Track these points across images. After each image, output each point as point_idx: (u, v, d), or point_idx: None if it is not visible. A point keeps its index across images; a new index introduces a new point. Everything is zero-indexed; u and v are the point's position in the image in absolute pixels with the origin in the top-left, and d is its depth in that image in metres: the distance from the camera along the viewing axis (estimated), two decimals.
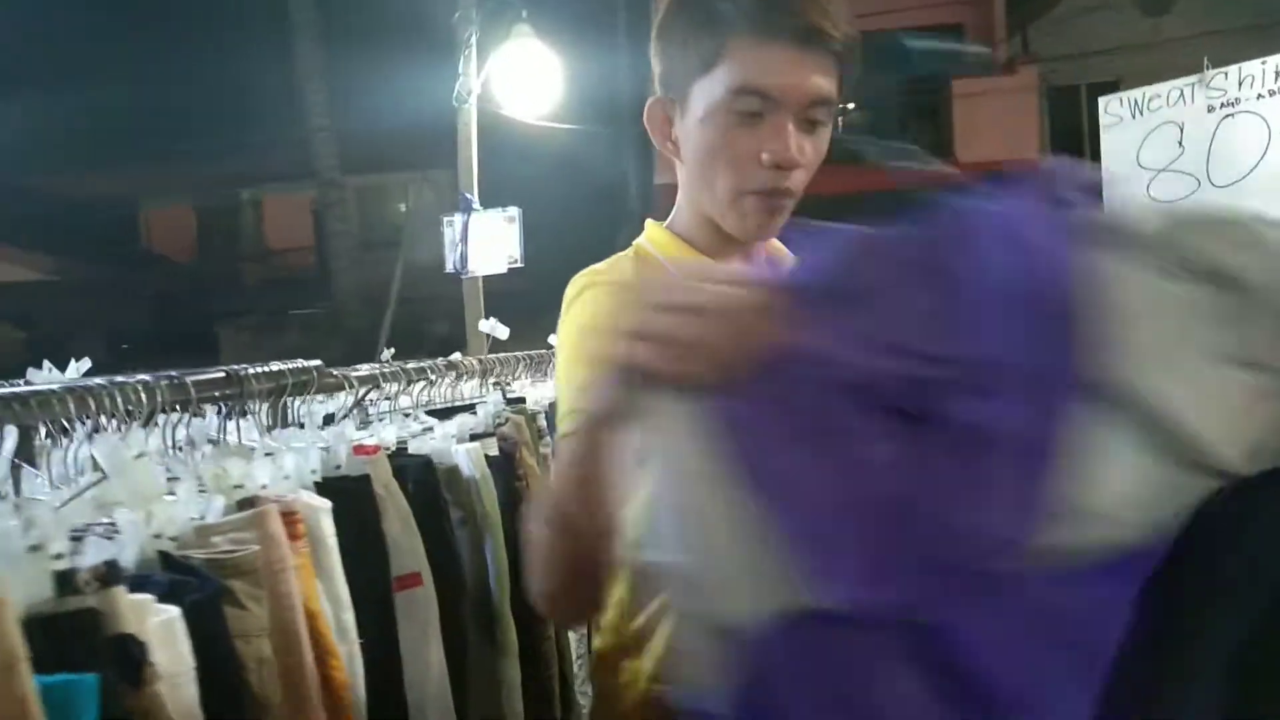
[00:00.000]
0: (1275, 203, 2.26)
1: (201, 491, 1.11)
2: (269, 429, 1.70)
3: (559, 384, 1.07)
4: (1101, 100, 2.46)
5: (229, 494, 1.12)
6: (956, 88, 13.49)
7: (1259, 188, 2.27)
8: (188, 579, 0.93)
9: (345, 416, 2.21)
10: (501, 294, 4.73)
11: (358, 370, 2.15)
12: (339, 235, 14.17)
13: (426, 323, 12.03)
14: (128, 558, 0.88)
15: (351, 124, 13.40)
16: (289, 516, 1.12)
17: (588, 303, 1.09)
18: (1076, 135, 15.41)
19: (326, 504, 1.26)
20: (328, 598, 1.23)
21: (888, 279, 0.63)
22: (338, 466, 1.47)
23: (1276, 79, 2.29)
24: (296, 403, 1.83)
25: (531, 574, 0.90)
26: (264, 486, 1.19)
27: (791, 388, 0.61)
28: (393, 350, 4.38)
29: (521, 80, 4.12)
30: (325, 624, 1.17)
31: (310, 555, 1.19)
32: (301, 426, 1.76)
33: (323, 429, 1.88)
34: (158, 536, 0.97)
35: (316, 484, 1.35)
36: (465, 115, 4.10)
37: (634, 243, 1.22)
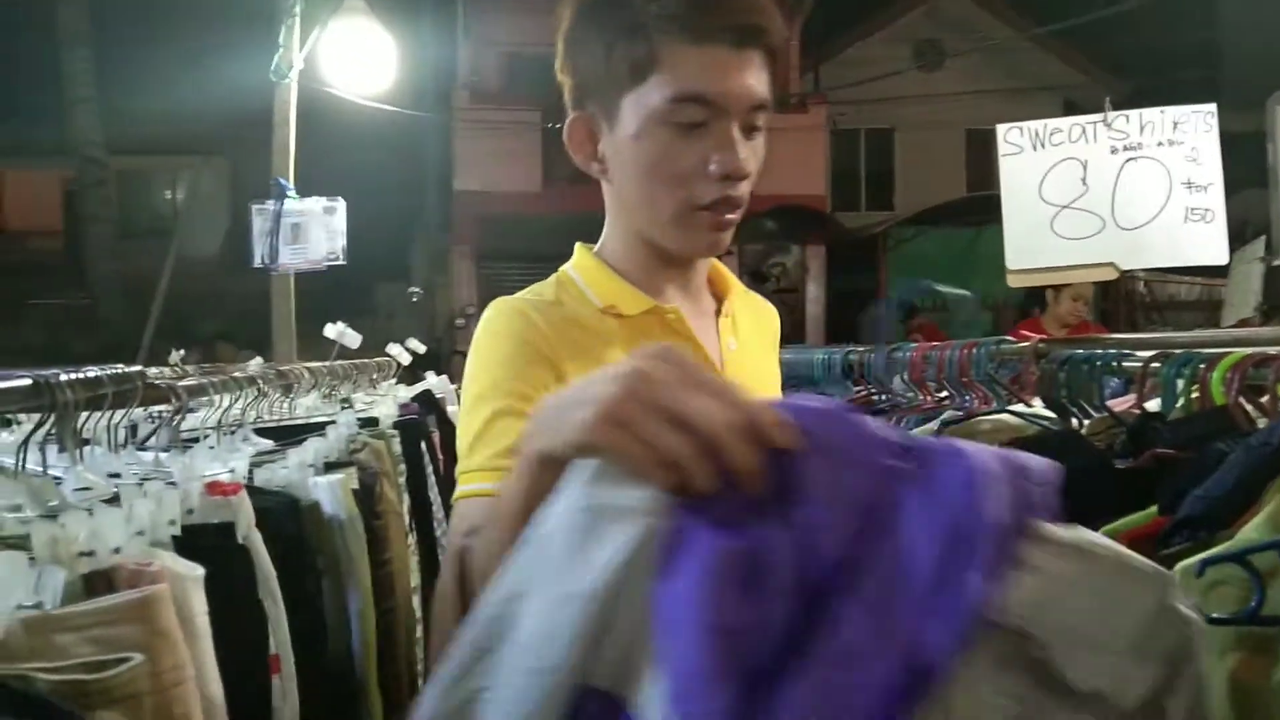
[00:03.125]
0: (1177, 252, 2.24)
1: (31, 562, 0.74)
2: (67, 451, 1.30)
3: (473, 422, 0.96)
4: (1000, 128, 2.39)
5: (72, 564, 0.76)
6: None
7: (1163, 235, 2.25)
8: None
9: (155, 433, 1.80)
10: (298, 292, 4.29)
11: (181, 378, 1.74)
12: (98, 220, 12.83)
13: (196, 321, 11.06)
14: None
15: (121, 98, 12.19)
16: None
17: (499, 335, 1.00)
18: (855, 178, 16.23)
19: (198, 571, 0.91)
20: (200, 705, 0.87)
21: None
22: (190, 511, 1.11)
23: (1174, 129, 2.29)
24: (99, 419, 1.43)
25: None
26: (116, 550, 0.83)
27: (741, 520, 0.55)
28: (182, 352, 3.87)
29: (350, 57, 3.73)
30: None
31: None
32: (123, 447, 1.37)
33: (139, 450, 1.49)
34: None
35: (175, 539, 0.99)
36: (283, 92, 3.65)
37: (561, 269, 1.13)
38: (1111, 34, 13.91)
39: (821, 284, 14.40)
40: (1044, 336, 1.98)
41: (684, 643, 0.52)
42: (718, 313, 1.13)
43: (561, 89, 1.06)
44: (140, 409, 1.81)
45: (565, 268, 1.12)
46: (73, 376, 1.23)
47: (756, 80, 0.97)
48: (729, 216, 1.00)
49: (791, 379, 2.51)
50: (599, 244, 1.13)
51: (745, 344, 1.14)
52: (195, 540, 1.04)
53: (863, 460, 0.56)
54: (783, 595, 0.54)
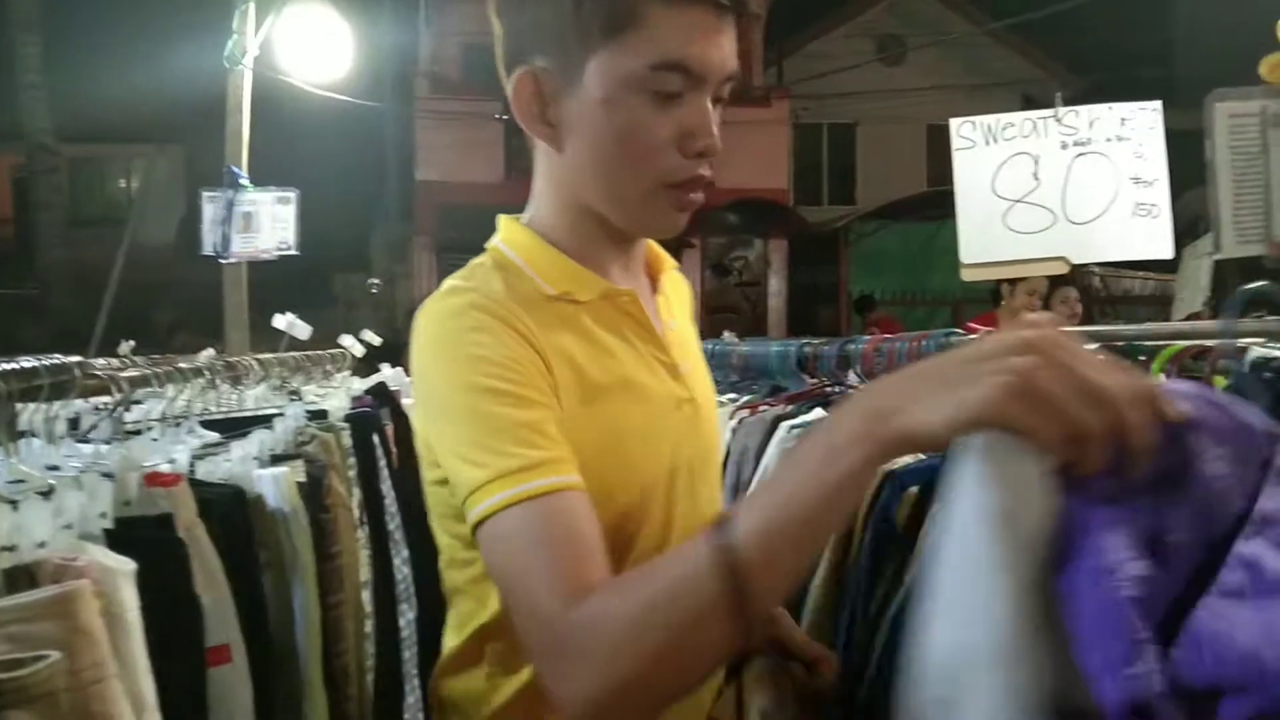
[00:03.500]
0: (1125, 246, 2.26)
1: None
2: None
3: (453, 415, 0.85)
4: (954, 123, 2.41)
5: None
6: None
7: (1113, 229, 2.27)
8: None
9: (99, 425, 1.77)
10: (250, 283, 4.23)
11: (126, 369, 1.71)
12: (49, 208, 12.59)
13: (150, 311, 10.89)
14: None
15: (73, 85, 11.96)
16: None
17: (480, 330, 0.87)
18: (817, 172, 16.31)
19: (129, 565, 0.89)
20: (127, 700, 0.86)
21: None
22: (126, 503, 1.09)
23: (1122, 125, 2.32)
24: (29, 409, 1.40)
25: (641, 656, 0.69)
26: (41, 545, 0.81)
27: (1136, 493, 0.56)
28: (132, 343, 3.79)
29: (305, 45, 3.68)
30: None
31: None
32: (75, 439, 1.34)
33: (80, 443, 1.46)
34: None
35: (107, 531, 0.97)
36: (237, 79, 3.59)
37: (489, 245, 1.02)
38: (1070, 31, 14.10)
39: (783, 277, 14.47)
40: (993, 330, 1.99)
41: (1105, 620, 0.53)
42: (654, 291, 1.07)
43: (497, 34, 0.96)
44: (85, 401, 1.79)
45: (499, 248, 1.00)
46: (5, 367, 1.21)
47: (731, 50, 0.91)
48: (695, 196, 0.93)
49: (749, 370, 2.52)
50: (529, 215, 1.02)
51: (679, 322, 1.09)
52: (131, 533, 1.02)
53: (1239, 429, 0.59)
54: (1181, 556, 0.55)
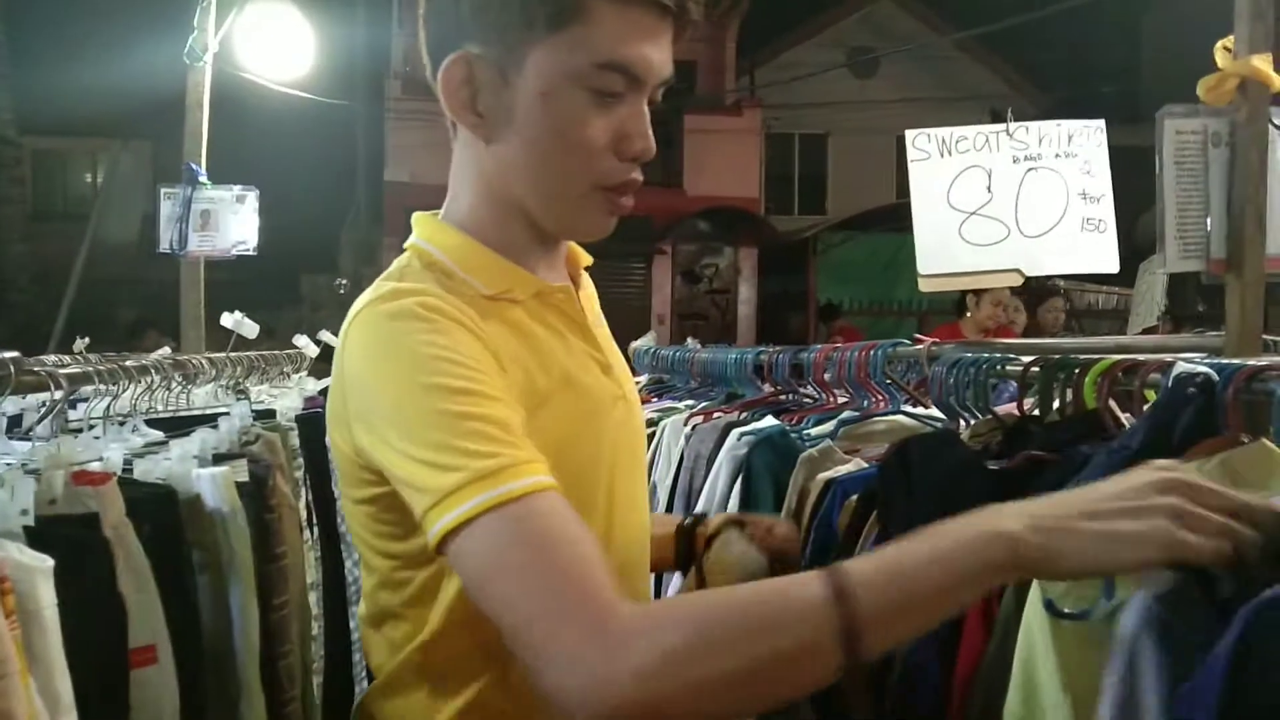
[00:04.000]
0: (1074, 260, 2.29)
1: None
2: None
3: (408, 420, 0.79)
4: (909, 134, 2.43)
5: None
6: (688, 122, 13.87)
7: (1062, 244, 2.30)
8: None
9: (42, 422, 1.74)
10: (215, 282, 4.18)
11: (64, 365, 1.69)
12: (9, 202, 12.40)
13: (112, 308, 10.75)
14: None
15: (38, 76, 11.80)
16: None
17: (434, 330, 0.82)
18: (788, 181, 16.39)
19: (47, 562, 0.88)
20: (43, 699, 0.85)
21: None
22: (52, 501, 1.07)
23: (1069, 141, 2.35)
24: None
25: (714, 678, 0.67)
26: None
27: None
28: (87, 340, 3.75)
29: (267, 42, 3.66)
30: None
31: (20, 642, 0.81)
32: None
33: (14, 440, 1.44)
34: None
35: (27, 529, 0.95)
36: (197, 75, 3.56)
37: (410, 245, 0.97)
38: (1038, 47, 14.26)
39: (753, 285, 14.52)
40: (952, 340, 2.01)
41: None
42: (578, 289, 1.05)
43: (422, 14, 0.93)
44: (24, 398, 1.76)
45: (423, 247, 0.95)
46: None
47: (669, 55, 0.90)
48: (625, 200, 0.91)
49: (706, 378, 2.52)
50: (448, 211, 0.98)
51: (598, 319, 1.07)
52: (53, 530, 1.01)
53: None
54: None
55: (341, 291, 13.22)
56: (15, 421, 1.79)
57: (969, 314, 4.48)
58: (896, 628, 0.70)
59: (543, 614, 0.70)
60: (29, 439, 1.62)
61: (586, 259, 1.07)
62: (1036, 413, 1.29)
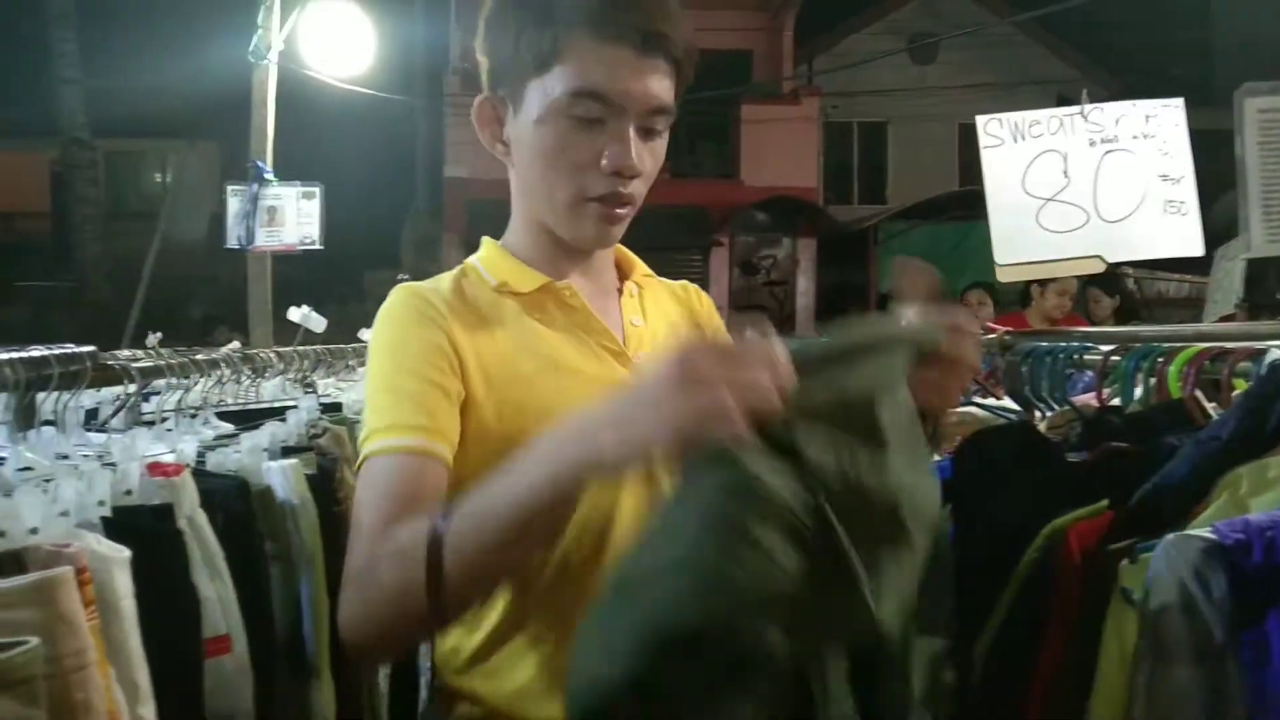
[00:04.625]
0: (1158, 244, 2.22)
1: None
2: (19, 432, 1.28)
3: (375, 383, 1.00)
4: (980, 120, 2.36)
5: None
6: (745, 112, 13.76)
7: (1144, 227, 2.23)
8: None
9: (117, 415, 1.78)
10: (281, 278, 4.25)
11: (138, 360, 1.72)
12: (85, 202, 12.74)
13: (183, 304, 11.01)
14: None
15: (109, 80, 12.11)
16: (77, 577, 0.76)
17: (404, 321, 1.03)
18: (847, 170, 16.21)
19: (124, 553, 0.89)
20: (122, 688, 0.86)
21: None
22: (128, 492, 1.09)
23: (1146, 122, 2.28)
24: (50, 399, 1.40)
25: (368, 602, 0.83)
26: (33, 531, 0.81)
27: None
28: (159, 335, 3.83)
29: (329, 39, 3.69)
30: None
31: (99, 632, 0.82)
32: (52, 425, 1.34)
33: (90, 432, 1.47)
34: None
35: (105, 520, 0.97)
36: (262, 73, 3.61)
37: (465, 260, 1.17)
38: (1105, 30, 13.91)
39: (811, 277, 14.37)
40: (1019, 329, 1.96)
41: None
42: (620, 291, 1.17)
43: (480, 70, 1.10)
44: (108, 391, 1.80)
45: (470, 259, 1.15)
46: (15, 355, 1.21)
47: (658, 86, 1.00)
48: (618, 211, 1.03)
49: None
50: (505, 235, 1.16)
51: (653, 322, 1.16)
52: (129, 521, 1.02)
53: None
54: None
55: None
56: (91, 414, 1.83)
57: (1034, 303, 4.39)
58: (474, 553, 0.79)
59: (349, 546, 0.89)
60: (104, 431, 1.66)
61: (642, 269, 1.20)
62: (1117, 402, 1.24)
